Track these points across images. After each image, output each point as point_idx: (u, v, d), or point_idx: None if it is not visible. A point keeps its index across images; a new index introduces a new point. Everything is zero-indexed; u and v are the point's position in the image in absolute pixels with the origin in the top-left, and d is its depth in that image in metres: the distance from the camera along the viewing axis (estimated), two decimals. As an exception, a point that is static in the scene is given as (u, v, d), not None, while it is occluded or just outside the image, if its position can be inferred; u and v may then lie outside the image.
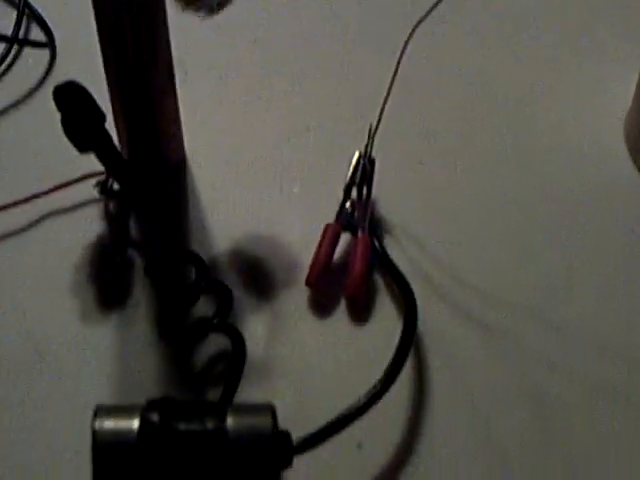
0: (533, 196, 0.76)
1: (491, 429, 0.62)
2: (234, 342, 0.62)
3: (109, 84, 0.69)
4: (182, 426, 0.53)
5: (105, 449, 0.52)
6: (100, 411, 0.54)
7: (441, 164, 0.78)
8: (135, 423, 0.53)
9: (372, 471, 0.60)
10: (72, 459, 0.58)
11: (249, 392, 0.61)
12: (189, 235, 0.72)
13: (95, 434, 0.52)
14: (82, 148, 0.65)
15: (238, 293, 0.67)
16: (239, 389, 0.61)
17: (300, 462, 0.55)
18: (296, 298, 0.68)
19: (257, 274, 0.70)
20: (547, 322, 0.68)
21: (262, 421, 0.54)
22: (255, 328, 0.66)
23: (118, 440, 0.52)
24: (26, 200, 0.71)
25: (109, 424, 0.53)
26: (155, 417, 0.53)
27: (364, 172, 0.72)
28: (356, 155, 0.72)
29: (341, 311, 0.68)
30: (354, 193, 0.72)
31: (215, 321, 0.63)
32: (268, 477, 0.53)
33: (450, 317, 0.68)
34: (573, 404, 0.63)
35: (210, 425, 0.53)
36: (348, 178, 0.72)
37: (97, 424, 0.53)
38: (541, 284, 0.70)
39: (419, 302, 0.66)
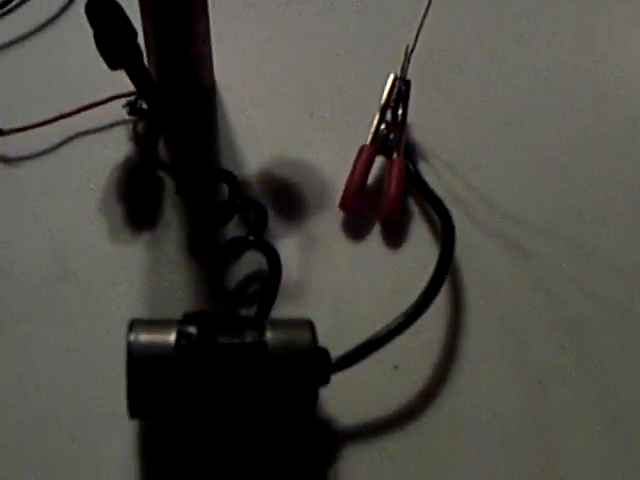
0: (572, 122, 0.74)
1: (526, 353, 0.61)
2: (269, 258, 0.61)
3: (140, 1, 0.67)
4: (221, 339, 0.52)
5: (141, 363, 0.51)
6: (135, 324, 0.53)
7: (478, 89, 0.76)
8: (172, 336, 0.52)
9: (407, 392, 0.59)
10: (103, 377, 0.57)
11: (283, 313, 0.60)
12: (219, 157, 0.71)
13: (130, 347, 0.52)
14: (113, 64, 0.64)
15: (271, 217, 0.66)
16: (273, 310, 0.60)
17: (336, 381, 0.55)
18: (330, 221, 0.67)
19: (289, 197, 0.69)
20: (582, 248, 0.67)
21: (301, 336, 0.53)
22: (288, 251, 0.64)
23: (154, 353, 0.52)
24: (55, 120, 0.70)
25: (145, 337, 0.52)
26: (192, 330, 0.52)
27: (399, 94, 0.70)
28: (391, 77, 0.71)
29: (375, 235, 0.67)
30: (389, 116, 0.70)
31: (250, 238, 0.62)
32: (306, 393, 0.53)
33: (486, 243, 0.67)
34: (607, 330, 0.63)
35: (249, 338, 0.52)
36: (383, 99, 0.70)
37: (132, 337, 0.52)
38: (578, 210, 0.69)
39: (455, 226, 0.64)
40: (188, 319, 0.53)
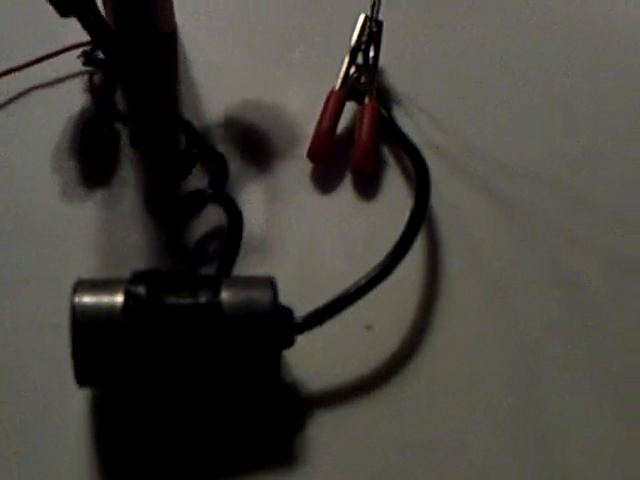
0: (560, 62, 0.70)
1: (510, 310, 0.57)
2: (230, 213, 0.56)
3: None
4: (171, 299, 0.48)
5: (85, 326, 0.47)
6: (80, 285, 0.49)
7: (455, 30, 0.72)
8: (119, 297, 0.48)
9: (382, 354, 0.55)
10: (55, 341, 0.52)
11: (247, 271, 0.56)
12: (181, 107, 0.67)
13: (74, 309, 0.48)
14: (63, 10, 0.59)
15: (234, 167, 0.62)
16: (236, 267, 0.56)
17: (303, 343, 0.51)
18: (298, 172, 0.63)
19: (255, 146, 0.64)
20: (567, 195, 0.63)
21: (261, 295, 0.49)
22: (253, 204, 0.61)
23: (100, 316, 0.48)
24: (6, 73, 0.66)
25: (90, 298, 0.48)
26: (141, 290, 0.48)
27: (371, 35, 0.66)
28: (362, 17, 0.66)
29: (346, 186, 0.63)
30: (360, 59, 0.66)
31: (209, 192, 0.57)
32: (268, 357, 0.49)
33: (464, 191, 0.63)
34: (593, 279, 0.59)
35: (203, 299, 0.48)
36: (354, 41, 0.66)
37: (77, 299, 0.48)
38: (566, 156, 0.65)
39: (431, 175, 0.60)
40: (137, 278, 0.49)
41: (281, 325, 0.49)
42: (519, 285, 0.58)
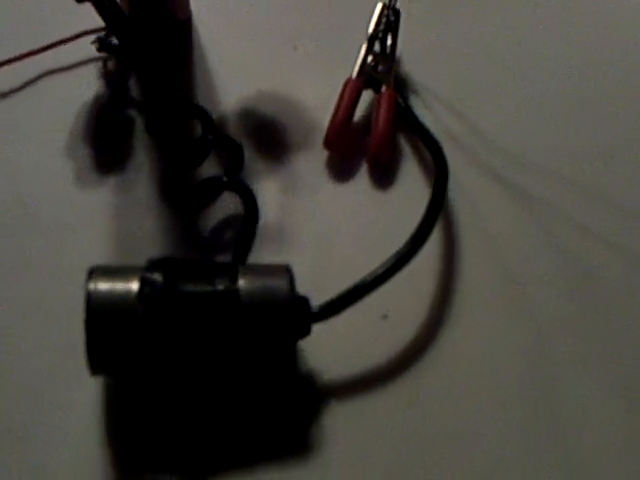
0: (577, 59, 0.69)
1: (526, 302, 0.57)
2: (245, 200, 0.56)
3: None
4: (188, 287, 0.47)
5: (100, 312, 0.47)
6: (95, 271, 0.48)
7: (475, 18, 0.71)
8: (134, 284, 0.47)
9: (398, 344, 0.54)
10: (68, 329, 0.51)
11: (263, 259, 0.56)
12: (195, 95, 0.66)
13: (89, 296, 0.47)
14: (79, -5, 0.59)
15: (250, 155, 0.61)
16: (252, 255, 0.56)
17: (319, 332, 0.50)
18: (314, 160, 0.62)
19: (270, 135, 0.64)
20: (584, 190, 0.62)
21: (278, 283, 0.49)
22: (269, 193, 0.60)
23: (115, 303, 0.47)
24: (20, 58, 0.65)
25: (105, 285, 0.48)
26: (157, 277, 0.47)
27: (388, 23, 0.65)
28: (379, 5, 0.66)
29: (363, 175, 0.62)
30: (377, 48, 0.65)
31: (225, 179, 0.57)
32: (284, 345, 0.48)
33: (483, 183, 0.62)
34: (609, 273, 0.58)
35: (220, 286, 0.47)
36: (371, 29, 0.65)
37: (91, 285, 0.48)
38: (583, 149, 0.64)
39: (449, 165, 0.59)
40: (153, 265, 0.48)
41: (298, 314, 0.49)
42: (535, 278, 0.58)
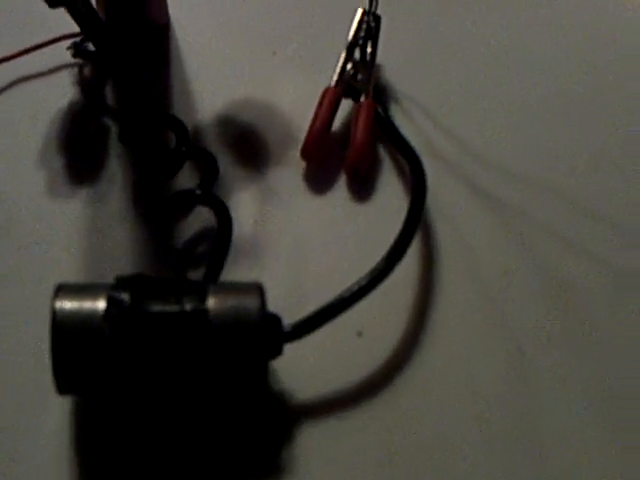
0: (561, 63, 0.68)
1: (505, 317, 0.56)
2: (219, 214, 0.55)
3: None
4: (155, 307, 0.46)
5: (65, 332, 0.46)
6: (62, 290, 0.47)
7: (457, 26, 0.70)
8: (101, 303, 0.46)
9: (373, 362, 0.53)
10: (32, 343, 0.51)
11: (236, 274, 0.54)
12: (172, 102, 0.65)
13: (55, 315, 0.46)
14: (52, 1, 0.58)
15: (225, 166, 0.60)
16: (225, 271, 0.55)
17: (292, 351, 0.49)
18: (291, 172, 0.61)
19: (247, 145, 0.62)
20: (565, 200, 0.61)
21: (248, 302, 0.47)
22: (244, 205, 0.59)
23: (81, 322, 0.46)
24: (-9, 64, 0.63)
25: (71, 304, 0.47)
26: (124, 296, 0.46)
27: (369, 31, 0.64)
28: (359, 11, 0.64)
29: (341, 186, 0.61)
30: (357, 55, 0.64)
31: (198, 192, 0.56)
32: (254, 366, 0.47)
33: (463, 196, 0.61)
34: (590, 288, 0.57)
35: (188, 306, 0.46)
36: (350, 36, 0.64)
37: (58, 304, 0.46)
38: (566, 159, 0.63)
39: (427, 176, 0.58)
40: (121, 284, 0.47)
41: (269, 334, 0.48)
42: (514, 292, 0.57)
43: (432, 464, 0.50)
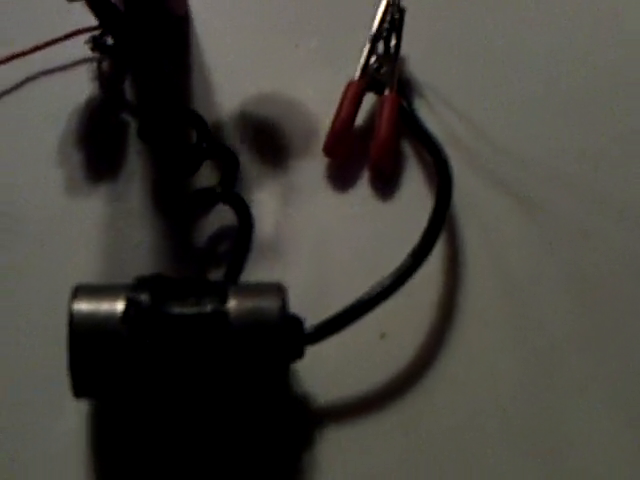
0: (583, 62, 0.66)
1: (531, 318, 0.55)
2: (239, 213, 0.54)
3: None
4: (175, 308, 0.45)
5: (83, 334, 0.45)
6: (80, 291, 0.47)
7: (481, 18, 0.68)
8: (120, 305, 0.45)
9: (396, 364, 0.52)
10: (50, 344, 0.50)
11: (258, 274, 0.54)
12: (192, 97, 0.64)
13: (72, 317, 0.46)
14: (70, -6, 0.57)
15: (247, 162, 0.59)
16: (246, 270, 0.54)
17: (314, 353, 0.48)
18: (313, 168, 0.60)
19: (268, 140, 0.61)
20: (599, 197, 0.60)
21: (269, 303, 0.47)
22: (266, 202, 0.58)
23: (99, 324, 0.45)
24: (11, 58, 0.63)
25: (89, 306, 0.46)
26: (144, 298, 0.45)
27: (392, 23, 0.62)
28: (384, 3, 0.63)
29: (364, 183, 0.60)
30: (381, 48, 0.62)
31: (218, 190, 0.55)
32: (275, 369, 0.46)
33: (488, 192, 0.60)
34: (615, 285, 0.56)
35: (208, 307, 0.46)
36: (374, 29, 0.62)
37: (75, 305, 0.46)
38: (593, 155, 0.61)
39: (453, 172, 0.57)
40: (140, 285, 0.47)
41: (290, 336, 0.47)
42: (540, 291, 0.55)
43: (456, 467, 0.49)
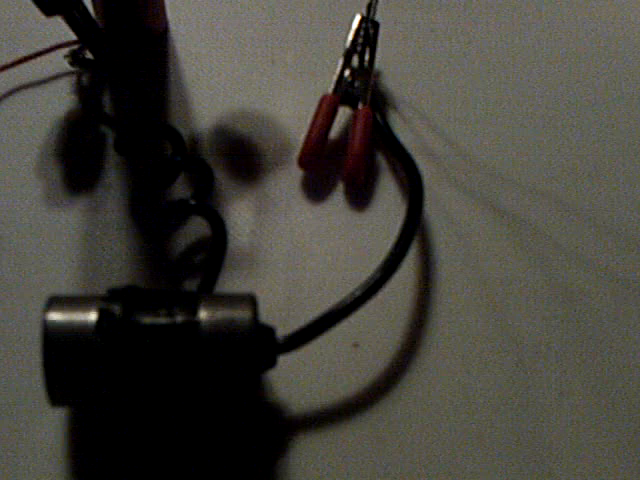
0: (562, 68, 0.67)
1: (506, 328, 0.55)
2: (213, 225, 0.54)
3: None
4: (146, 319, 0.46)
5: (56, 345, 0.45)
6: (53, 302, 0.47)
7: (454, 33, 0.69)
8: (92, 315, 0.46)
9: (369, 374, 0.53)
10: (25, 354, 0.51)
11: (232, 285, 0.54)
12: (169, 111, 0.64)
13: (46, 327, 0.46)
14: (48, 10, 0.57)
15: (222, 175, 0.60)
16: (220, 281, 0.54)
17: (287, 362, 0.49)
18: (287, 180, 0.61)
19: (244, 153, 0.62)
20: (571, 209, 0.61)
21: (241, 313, 0.47)
22: (240, 214, 0.59)
23: (72, 335, 0.45)
24: (-11, 73, 0.63)
25: (62, 316, 0.46)
26: (116, 309, 0.46)
27: (367, 37, 0.63)
28: (357, 18, 0.64)
29: (338, 195, 0.60)
30: (355, 62, 0.63)
31: (192, 202, 0.55)
32: (247, 378, 0.46)
33: (460, 201, 0.60)
34: (592, 295, 0.57)
35: (179, 318, 0.46)
36: (348, 43, 0.63)
37: (49, 316, 0.46)
38: (566, 167, 0.63)
39: (426, 184, 0.58)
40: (113, 296, 0.47)
41: (262, 345, 0.47)
42: (515, 301, 0.56)
43: (428, 475, 0.49)
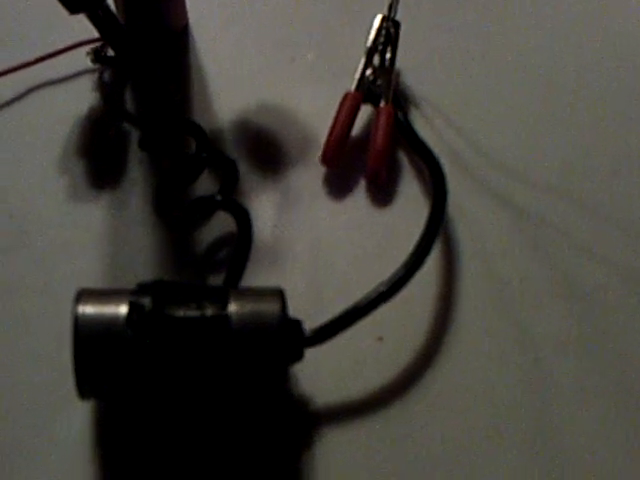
0: (580, 67, 0.68)
1: (525, 325, 0.56)
2: (239, 220, 0.55)
3: None
4: (177, 312, 0.46)
5: (88, 338, 0.46)
6: (83, 295, 0.47)
7: (473, 32, 0.69)
8: (123, 308, 0.46)
9: (393, 367, 0.53)
10: (54, 349, 0.51)
11: (257, 279, 0.55)
12: (191, 107, 0.65)
13: (77, 320, 0.46)
14: (72, 7, 0.58)
15: (245, 171, 0.60)
16: (245, 276, 0.55)
17: (313, 355, 0.49)
18: (310, 177, 0.61)
19: (267, 150, 0.62)
20: (591, 207, 0.61)
21: (269, 307, 0.47)
22: (264, 210, 0.59)
23: (103, 328, 0.46)
24: (13, 70, 0.64)
25: (93, 309, 0.47)
26: (146, 302, 0.46)
27: (388, 36, 0.64)
28: (379, 17, 0.64)
29: (360, 191, 0.61)
30: (376, 61, 0.64)
31: (218, 198, 0.56)
32: (275, 371, 0.47)
33: (483, 201, 0.61)
34: (610, 294, 0.57)
35: (210, 311, 0.46)
36: (370, 41, 0.64)
37: (79, 309, 0.47)
38: (585, 165, 0.63)
39: (447, 182, 0.58)
40: (143, 289, 0.47)
41: (290, 339, 0.48)
42: (535, 299, 0.56)
43: (449, 471, 0.50)
